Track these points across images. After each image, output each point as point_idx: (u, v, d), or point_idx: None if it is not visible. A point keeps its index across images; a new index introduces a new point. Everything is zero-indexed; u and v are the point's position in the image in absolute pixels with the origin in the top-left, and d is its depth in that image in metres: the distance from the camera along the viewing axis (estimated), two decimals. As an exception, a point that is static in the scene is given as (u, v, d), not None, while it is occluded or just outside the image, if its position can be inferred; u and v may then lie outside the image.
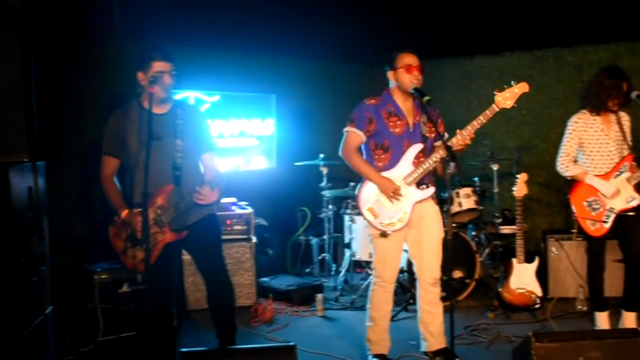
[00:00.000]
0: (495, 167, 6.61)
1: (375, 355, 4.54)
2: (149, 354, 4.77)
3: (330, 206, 6.90)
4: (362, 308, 5.86)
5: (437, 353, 4.51)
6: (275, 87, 7.44)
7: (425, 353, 4.59)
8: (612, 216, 4.80)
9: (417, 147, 4.36)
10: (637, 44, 7.17)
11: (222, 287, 4.31)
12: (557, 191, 7.45)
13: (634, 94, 4.66)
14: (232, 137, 6.95)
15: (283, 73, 7.63)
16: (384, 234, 4.37)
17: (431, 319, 4.52)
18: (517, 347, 4.03)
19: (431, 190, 4.41)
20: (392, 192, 4.29)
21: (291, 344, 3.50)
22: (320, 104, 8.09)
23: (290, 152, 7.36)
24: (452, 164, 4.14)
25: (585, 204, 4.88)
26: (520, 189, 5.58)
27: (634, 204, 4.79)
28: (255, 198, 6.68)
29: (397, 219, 4.35)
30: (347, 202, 6.73)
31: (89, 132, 5.58)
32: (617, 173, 4.83)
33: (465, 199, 6.42)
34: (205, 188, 3.90)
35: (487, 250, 6.74)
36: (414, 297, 5.82)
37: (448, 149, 4.01)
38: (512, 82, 4.17)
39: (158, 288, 4.09)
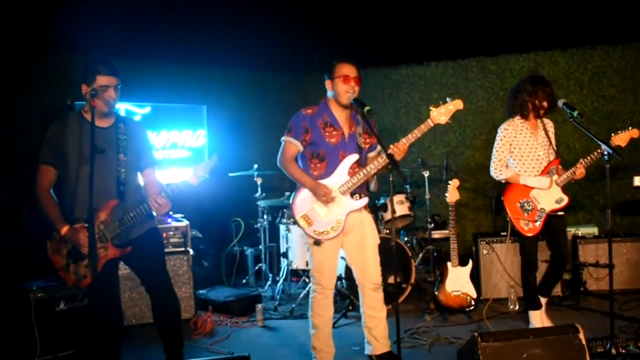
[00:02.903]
0: (426, 174, 6.78)
1: (321, 363, 4.58)
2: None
3: (265, 216, 6.93)
4: (302, 317, 5.94)
5: (381, 357, 4.58)
6: (206, 98, 7.42)
7: (370, 357, 4.65)
8: (543, 216, 5.03)
9: (352, 158, 4.43)
10: (555, 53, 7.54)
11: (168, 301, 4.24)
12: (483, 196, 7.71)
13: (560, 102, 4.87)
14: (164, 149, 6.89)
15: (213, 84, 7.63)
16: (317, 242, 4.42)
17: (374, 323, 4.59)
18: (463, 347, 4.16)
19: (365, 200, 4.48)
20: (324, 197, 4.34)
21: (245, 354, 3.50)
22: (251, 114, 8.12)
23: (222, 163, 7.30)
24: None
25: (518, 205, 5.08)
26: (452, 194, 5.76)
27: (563, 204, 5.04)
28: (188, 210, 6.64)
29: (330, 227, 4.39)
30: (283, 212, 6.76)
31: (18, 143, 5.43)
32: (546, 176, 5.06)
33: (399, 206, 6.57)
34: (161, 198, 3.87)
35: (420, 255, 6.90)
36: (352, 303, 5.91)
37: (390, 158, 4.08)
38: (448, 99, 4.24)
39: (102, 305, 4.01)
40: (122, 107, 6.35)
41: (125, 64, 6.30)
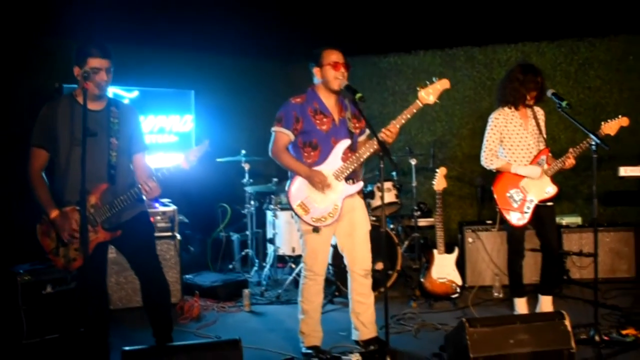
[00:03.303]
0: (413, 162, 6.82)
1: (309, 347, 4.61)
2: (79, 356, 4.69)
3: (252, 202, 6.94)
4: (288, 302, 5.98)
5: (369, 342, 4.63)
6: (194, 84, 7.38)
7: (357, 342, 4.70)
8: (532, 207, 5.06)
9: (345, 143, 4.46)
10: (543, 44, 7.61)
11: (158, 284, 4.24)
12: (469, 184, 7.77)
13: (549, 92, 4.91)
14: (151, 134, 6.87)
15: (201, 69, 7.60)
16: (316, 230, 4.44)
17: (363, 309, 4.64)
18: (450, 332, 4.19)
19: (360, 184, 4.52)
20: (321, 184, 4.37)
21: (236, 338, 3.52)
22: (238, 101, 8.10)
23: (209, 149, 7.32)
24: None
25: (507, 195, 5.11)
26: (439, 182, 5.80)
27: (551, 194, 5.07)
28: (175, 195, 6.63)
29: (327, 213, 4.42)
30: (270, 198, 6.77)
31: (6, 127, 5.40)
32: (536, 165, 5.09)
33: (386, 193, 6.60)
34: (152, 181, 3.87)
35: (406, 243, 6.95)
36: (339, 289, 5.95)
37: (381, 145, 4.12)
38: (434, 79, 4.28)
39: (91, 288, 4.00)
40: (110, 91, 6.30)
41: (114, 48, 6.25)
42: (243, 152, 6.81)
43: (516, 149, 5.12)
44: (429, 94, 4.25)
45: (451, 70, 7.91)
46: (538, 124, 5.14)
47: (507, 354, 3.73)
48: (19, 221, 4.20)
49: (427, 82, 4.28)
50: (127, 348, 3.47)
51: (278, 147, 4.49)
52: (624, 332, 4.68)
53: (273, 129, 4.51)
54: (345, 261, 4.67)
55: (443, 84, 4.27)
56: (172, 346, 3.86)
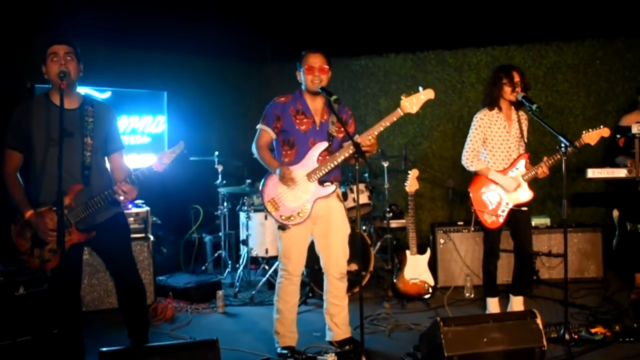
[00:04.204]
0: (385, 164, 6.88)
1: (284, 348, 4.63)
2: (53, 358, 4.65)
3: (225, 203, 6.94)
4: (262, 303, 6.00)
5: (343, 342, 4.68)
6: (166, 85, 7.35)
7: (331, 343, 4.74)
8: (507, 210, 5.11)
9: (321, 145, 4.49)
10: (512, 47, 7.73)
11: (134, 285, 4.22)
12: (440, 186, 7.85)
13: (519, 96, 4.98)
14: (123, 135, 6.81)
15: (174, 70, 7.57)
16: (282, 227, 4.49)
17: (337, 311, 4.69)
18: (425, 332, 4.25)
19: (332, 187, 4.52)
20: (284, 178, 4.38)
21: (213, 338, 3.53)
22: (210, 102, 8.09)
23: (184, 151, 7.29)
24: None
25: (483, 197, 5.16)
26: (411, 184, 5.85)
27: (527, 199, 5.11)
28: (147, 196, 6.59)
29: (296, 213, 4.46)
30: (243, 199, 6.77)
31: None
32: (514, 170, 5.13)
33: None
34: (126, 185, 3.86)
35: (378, 244, 7.01)
36: (312, 290, 5.98)
37: (356, 147, 4.15)
38: (420, 88, 4.27)
39: (65, 289, 3.98)
40: (82, 91, 6.26)
41: (86, 48, 6.19)
42: (216, 153, 6.81)
43: (497, 151, 5.14)
44: (412, 104, 4.26)
45: (422, 73, 8.00)
46: (521, 128, 5.18)
47: (480, 352, 3.80)
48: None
49: (412, 92, 4.28)
50: (104, 349, 3.46)
51: (259, 143, 4.57)
52: (593, 330, 4.78)
53: (258, 125, 4.58)
54: (321, 263, 4.71)
55: (427, 94, 4.28)
56: (150, 346, 3.85)
